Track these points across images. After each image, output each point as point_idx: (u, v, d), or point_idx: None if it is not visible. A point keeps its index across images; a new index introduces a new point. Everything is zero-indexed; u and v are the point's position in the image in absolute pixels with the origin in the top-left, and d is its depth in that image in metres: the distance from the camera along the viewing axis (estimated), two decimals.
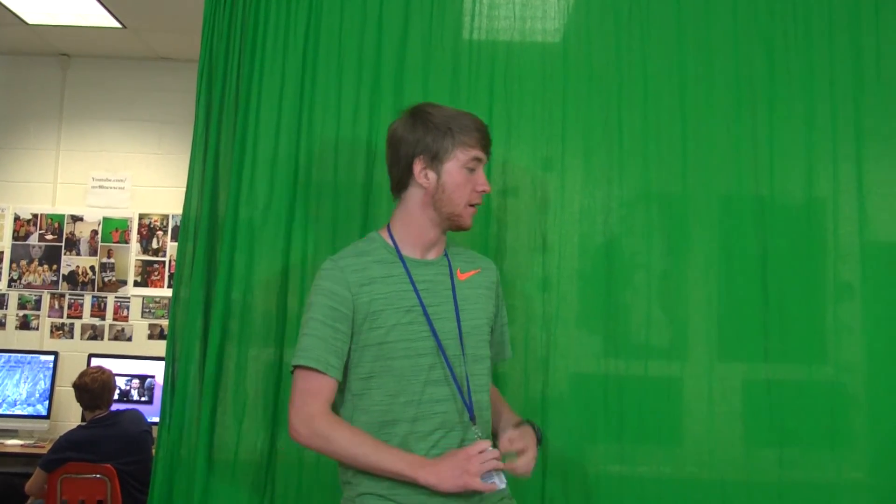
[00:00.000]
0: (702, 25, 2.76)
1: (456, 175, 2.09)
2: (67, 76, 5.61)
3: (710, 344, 2.66)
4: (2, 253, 5.50)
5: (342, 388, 2.09)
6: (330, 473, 2.55)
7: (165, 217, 5.47)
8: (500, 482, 1.95)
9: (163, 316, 5.37)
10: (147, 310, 5.42)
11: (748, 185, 2.70)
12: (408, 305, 2.06)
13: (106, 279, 5.45)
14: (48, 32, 5.20)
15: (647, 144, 2.70)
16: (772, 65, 2.75)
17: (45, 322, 5.46)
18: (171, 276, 5.31)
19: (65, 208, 5.52)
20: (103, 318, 5.45)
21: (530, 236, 2.67)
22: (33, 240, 5.49)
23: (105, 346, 5.39)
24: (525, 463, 2.05)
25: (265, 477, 2.58)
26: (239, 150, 2.68)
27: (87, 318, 5.45)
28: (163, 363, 2.68)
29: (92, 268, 5.46)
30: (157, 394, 4.93)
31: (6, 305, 5.46)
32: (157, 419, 2.74)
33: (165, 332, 5.03)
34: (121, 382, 4.89)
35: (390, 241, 2.13)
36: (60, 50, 5.54)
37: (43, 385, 5.09)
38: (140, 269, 5.45)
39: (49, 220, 5.50)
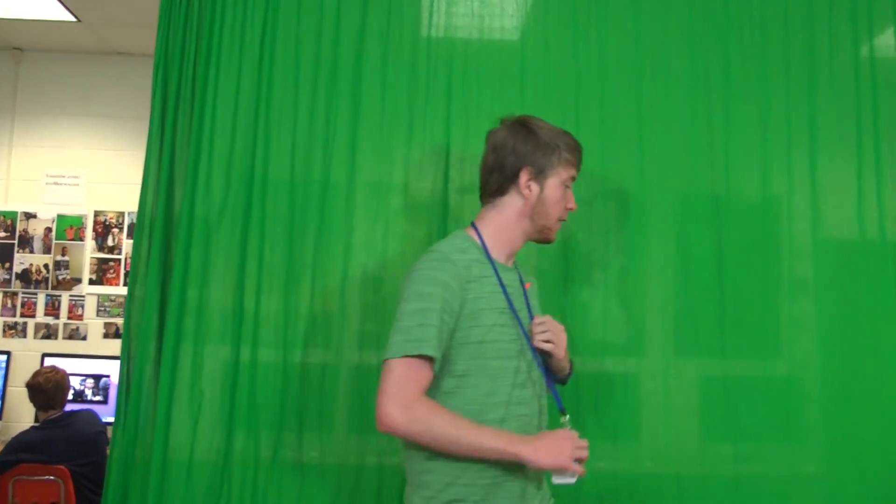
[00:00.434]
0: (659, 26, 2.79)
1: (556, 190, 2.15)
2: (20, 70, 5.51)
3: (667, 340, 2.69)
4: None
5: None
6: (287, 473, 2.56)
7: (121, 214, 5.39)
8: (575, 475, 1.98)
9: (118, 314, 5.30)
10: (102, 308, 5.35)
11: (704, 184, 2.73)
12: (501, 307, 2.07)
13: (60, 277, 5.37)
14: (0, 25, 5.11)
15: (604, 142, 2.71)
16: (727, 66, 2.78)
17: None
18: (126, 274, 5.25)
19: (18, 205, 5.42)
20: (57, 317, 5.36)
21: None
22: None
23: (59, 345, 5.31)
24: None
25: (221, 477, 2.56)
26: (195, 146, 2.66)
27: (40, 317, 5.36)
28: (118, 362, 2.65)
29: (46, 266, 5.37)
30: (113, 394, 4.86)
31: None
32: (111, 419, 2.71)
33: (121, 331, 4.97)
34: (75, 382, 4.83)
35: (479, 243, 2.13)
36: (13, 44, 5.44)
37: None
38: (95, 267, 5.38)
39: (1, 217, 5.41)
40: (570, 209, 2.20)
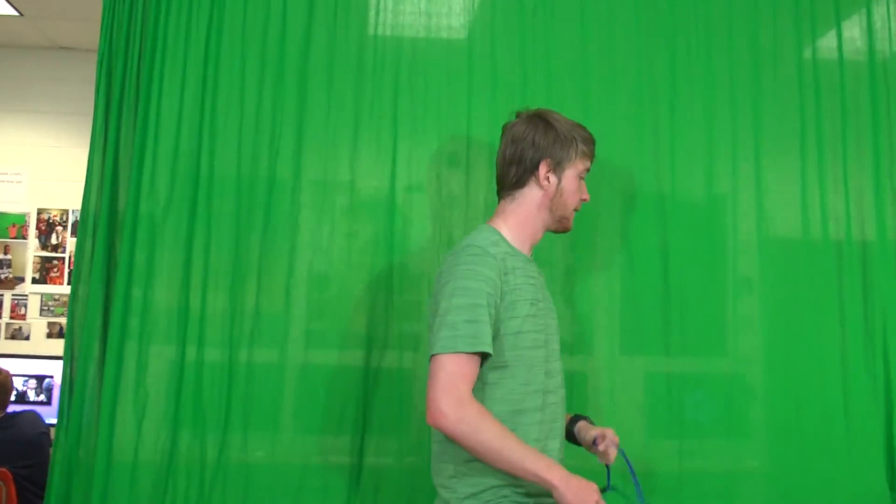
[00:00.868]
0: (605, 25, 2.81)
1: (572, 182, 2.20)
2: None
3: (613, 338, 2.71)
4: None
5: None
6: (233, 473, 2.54)
7: (65, 212, 5.32)
8: None
9: (62, 314, 5.23)
10: (46, 308, 5.28)
11: (650, 183, 2.76)
12: (531, 298, 2.10)
13: (2, 276, 5.29)
14: None
15: None
16: (673, 66, 2.81)
17: None
18: (70, 273, 5.18)
19: None
20: None
21: (436, 232, 2.67)
22: None
23: (1, 345, 5.23)
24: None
25: (166, 478, 2.53)
26: (139, 143, 2.62)
27: None
28: (61, 363, 2.62)
29: None
30: (56, 394, 4.79)
31: None
32: (55, 421, 2.67)
33: (64, 331, 4.90)
34: (18, 383, 4.74)
35: (505, 236, 2.15)
36: None
37: None
38: (38, 266, 5.30)
39: None
40: (584, 200, 2.26)
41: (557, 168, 2.17)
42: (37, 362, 4.94)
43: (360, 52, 2.73)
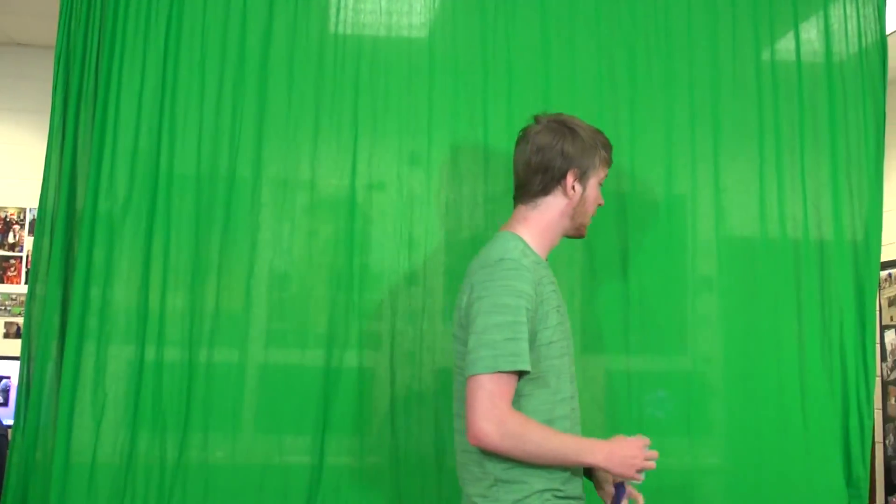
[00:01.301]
0: (565, 25, 2.82)
1: (594, 189, 2.22)
2: None
3: (574, 336, 2.70)
4: None
5: None
6: (193, 473, 2.52)
7: (22, 210, 5.25)
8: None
9: (19, 314, 5.16)
10: (3, 307, 5.21)
11: (610, 182, 2.75)
12: (556, 305, 2.10)
13: None
14: None
15: (511, 141, 2.71)
16: (633, 66, 2.84)
17: None
18: (27, 272, 5.11)
19: None
20: None
21: (396, 231, 2.67)
22: None
23: None
24: None
25: (125, 479, 2.50)
26: (98, 141, 2.59)
27: None
28: (18, 363, 2.58)
29: None
30: (13, 395, 4.73)
31: None
32: (12, 422, 2.64)
33: (22, 331, 4.84)
34: None
35: (530, 243, 2.15)
36: None
37: None
38: None
39: None
40: (600, 205, 2.28)
41: (582, 177, 2.18)
42: None
43: (320, 50, 2.71)
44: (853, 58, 2.95)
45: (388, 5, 2.78)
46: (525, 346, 1.97)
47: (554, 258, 2.72)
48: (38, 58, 5.18)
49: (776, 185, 2.87)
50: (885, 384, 4.74)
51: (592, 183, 2.20)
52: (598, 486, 2.27)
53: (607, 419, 2.70)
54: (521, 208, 2.20)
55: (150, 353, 2.55)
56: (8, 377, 4.80)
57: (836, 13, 2.97)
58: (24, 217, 5.24)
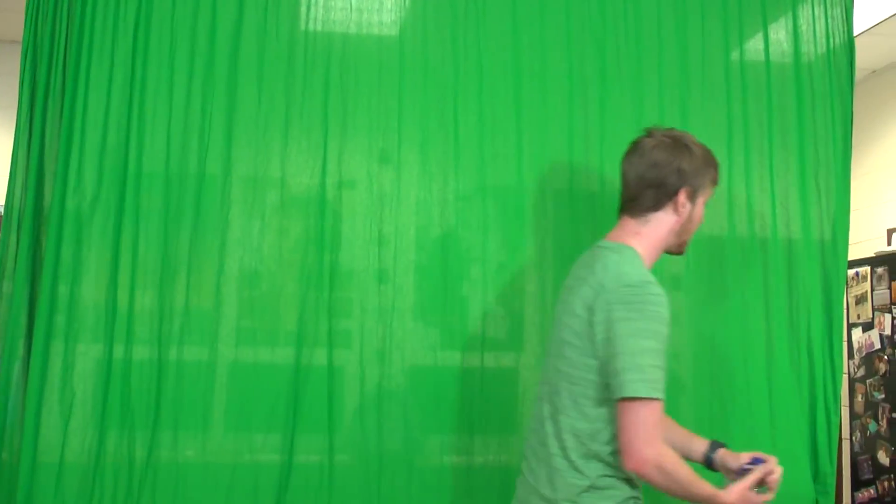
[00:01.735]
0: (536, 23, 2.82)
1: (700, 208, 2.24)
2: None
3: (545, 335, 2.73)
4: None
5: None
6: (162, 473, 2.51)
7: None
8: None
9: None
10: None
11: (581, 181, 2.78)
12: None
13: None
14: None
15: (482, 138, 2.74)
16: (603, 65, 2.84)
17: None
18: None
19: None
20: None
21: (366, 229, 2.66)
22: None
23: None
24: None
25: (93, 479, 2.48)
26: (66, 137, 2.57)
27: None
28: None
29: None
30: None
31: None
32: None
33: None
34: None
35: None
36: None
37: None
38: None
39: None
40: (700, 223, 2.29)
41: (693, 195, 2.20)
42: None
43: (290, 47, 2.70)
44: (821, 58, 2.98)
45: (358, 3, 2.76)
46: (664, 374, 2.00)
47: (525, 258, 2.74)
48: (4, 53, 5.09)
49: (744, 184, 2.89)
50: (851, 381, 4.79)
51: (700, 202, 2.23)
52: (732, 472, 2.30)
53: None
54: (631, 222, 2.21)
55: (118, 352, 2.53)
56: None
57: (804, 14, 3.00)
58: None
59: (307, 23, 2.73)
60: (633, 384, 1.95)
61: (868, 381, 4.68)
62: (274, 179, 2.65)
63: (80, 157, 2.57)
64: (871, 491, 4.59)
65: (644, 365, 1.96)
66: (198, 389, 2.56)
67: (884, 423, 4.51)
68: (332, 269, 2.63)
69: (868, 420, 4.66)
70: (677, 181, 2.17)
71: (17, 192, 2.59)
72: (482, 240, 2.72)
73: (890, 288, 4.55)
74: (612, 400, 2.01)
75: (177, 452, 2.54)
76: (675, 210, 2.19)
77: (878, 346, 4.61)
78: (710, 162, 2.24)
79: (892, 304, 4.52)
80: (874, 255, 4.78)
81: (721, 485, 2.14)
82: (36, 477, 2.45)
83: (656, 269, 2.73)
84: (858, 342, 4.77)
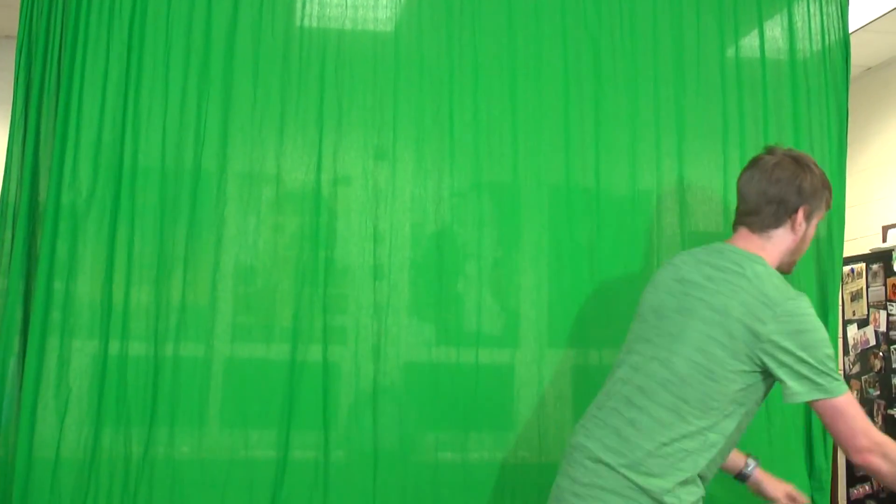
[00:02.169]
0: (531, 20, 2.82)
1: (813, 229, 2.30)
2: None
3: (540, 331, 2.74)
4: None
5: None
6: (158, 469, 2.51)
7: None
8: None
9: None
10: None
11: (576, 177, 2.79)
12: None
13: None
14: None
15: (477, 135, 2.74)
16: (598, 61, 2.84)
17: None
18: None
19: None
20: None
21: (361, 225, 2.67)
22: None
23: None
24: None
25: (88, 475, 2.48)
26: (61, 133, 2.56)
27: None
28: None
29: None
30: None
31: None
32: None
33: None
34: None
35: None
36: None
37: None
38: None
39: None
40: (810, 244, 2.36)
41: (810, 215, 2.25)
42: None
43: (286, 43, 2.70)
44: (816, 55, 2.98)
45: None
46: None
47: (520, 255, 2.74)
48: None
49: None
50: (847, 378, 4.79)
51: (814, 222, 2.28)
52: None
53: (575, 415, 2.69)
54: (754, 237, 2.25)
55: (114, 348, 2.53)
56: None
57: (800, 11, 3.00)
58: None
59: (302, 19, 2.73)
60: (836, 387, 2.04)
61: (863, 377, 4.69)
62: (269, 176, 2.65)
63: (76, 152, 2.57)
64: (867, 487, 4.60)
65: (832, 368, 2.06)
66: (193, 386, 2.56)
67: (879, 420, 4.52)
68: (327, 265, 2.64)
69: None
70: (797, 200, 2.22)
71: (12, 187, 2.58)
72: (477, 236, 2.72)
73: (885, 285, 4.56)
74: (748, 400, 2.11)
75: (173, 448, 2.54)
76: (793, 228, 2.24)
77: (873, 342, 4.62)
78: (826, 184, 2.29)
79: (887, 300, 4.53)
80: (869, 252, 4.78)
81: None
82: (32, 473, 2.44)
83: (655, 267, 2.78)
84: (854, 339, 4.78)
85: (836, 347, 2.90)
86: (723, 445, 2.11)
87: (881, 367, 4.53)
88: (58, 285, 2.53)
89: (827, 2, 3.01)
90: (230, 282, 2.61)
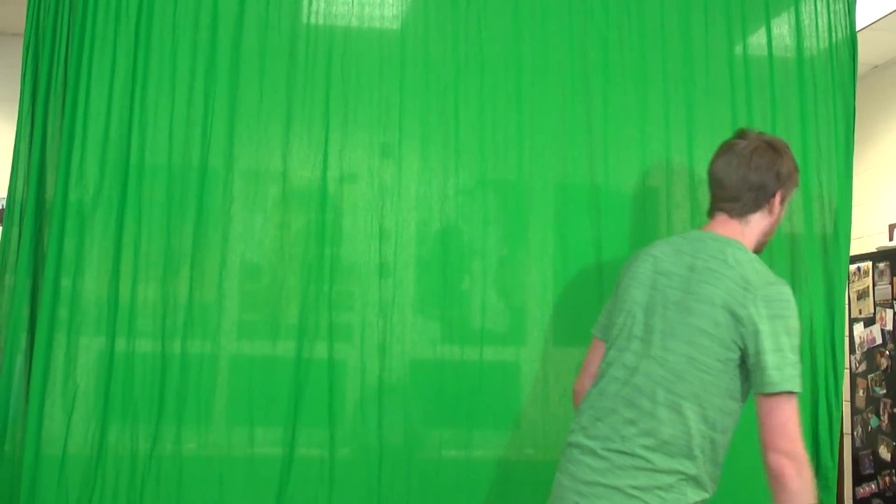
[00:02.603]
0: (538, 16, 2.82)
1: (784, 210, 2.34)
2: None
3: (546, 329, 2.74)
4: None
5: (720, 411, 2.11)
6: (165, 465, 2.52)
7: None
8: None
9: None
10: None
11: (583, 174, 2.79)
12: None
13: None
14: None
15: (483, 133, 2.74)
16: (606, 58, 2.84)
17: None
18: None
19: None
20: None
21: (367, 223, 2.67)
22: None
23: None
24: None
25: (95, 471, 2.49)
26: (68, 130, 2.57)
27: None
28: None
29: None
30: None
31: None
32: None
33: None
34: None
35: None
36: None
37: None
38: None
39: None
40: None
41: (784, 198, 2.29)
42: None
43: (292, 40, 2.70)
44: (823, 53, 2.98)
45: None
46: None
47: (527, 249, 2.74)
48: (6, 45, 5.10)
49: None
50: (853, 377, 4.78)
51: (785, 204, 2.32)
52: None
53: None
54: (732, 222, 2.27)
55: (121, 345, 2.54)
56: None
57: (807, 9, 3.00)
58: None
59: (309, 16, 2.74)
60: (788, 381, 2.01)
61: (869, 376, 4.68)
62: (275, 173, 2.66)
63: (83, 150, 2.58)
64: (873, 486, 4.59)
65: (794, 361, 2.04)
66: (200, 383, 2.57)
67: (885, 419, 4.51)
68: (333, 262, 2.64)
69: (869, 415, 4.66)
70: (775, 185, 2.25)
71: (20, 185, 2.59)
72: (482, 234, 2.73)
73: (891, 283, 4.55)
74: (739, 393, 2.11)
75: (179, 445, 2.55)
76: (770, 211, 2.26)
77: (879, 341, 4.61)
78: (797, 166, 2.33)
79: (893, 299, 4.52)
80: (876, 251, 4.78)
81: None
82: (39, 469, 2.46)
83: None
84: (860, 337, 4.77)
85: (842, 346, 2.89)
86: (723, 441, 2.12)
87: (888, 366, 4.52)
88: (65, 282, 2.53)
89: (834, 0, 3.01)
90: (236, 279, 2.61)
